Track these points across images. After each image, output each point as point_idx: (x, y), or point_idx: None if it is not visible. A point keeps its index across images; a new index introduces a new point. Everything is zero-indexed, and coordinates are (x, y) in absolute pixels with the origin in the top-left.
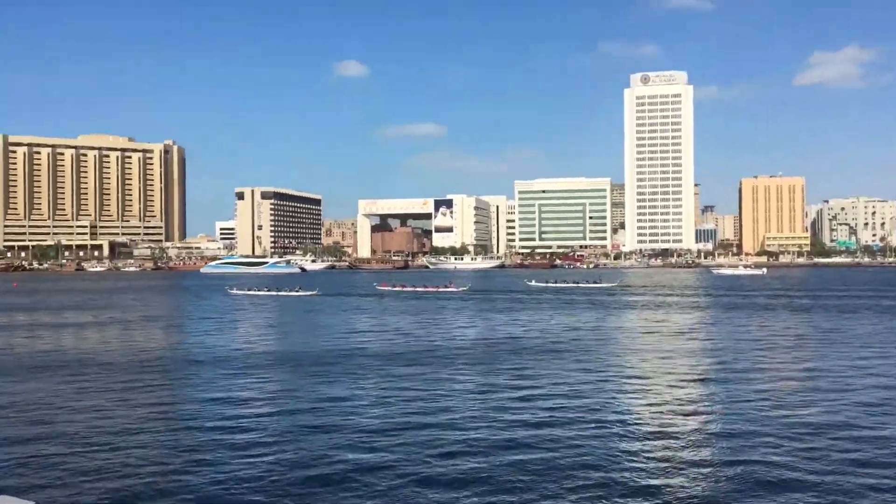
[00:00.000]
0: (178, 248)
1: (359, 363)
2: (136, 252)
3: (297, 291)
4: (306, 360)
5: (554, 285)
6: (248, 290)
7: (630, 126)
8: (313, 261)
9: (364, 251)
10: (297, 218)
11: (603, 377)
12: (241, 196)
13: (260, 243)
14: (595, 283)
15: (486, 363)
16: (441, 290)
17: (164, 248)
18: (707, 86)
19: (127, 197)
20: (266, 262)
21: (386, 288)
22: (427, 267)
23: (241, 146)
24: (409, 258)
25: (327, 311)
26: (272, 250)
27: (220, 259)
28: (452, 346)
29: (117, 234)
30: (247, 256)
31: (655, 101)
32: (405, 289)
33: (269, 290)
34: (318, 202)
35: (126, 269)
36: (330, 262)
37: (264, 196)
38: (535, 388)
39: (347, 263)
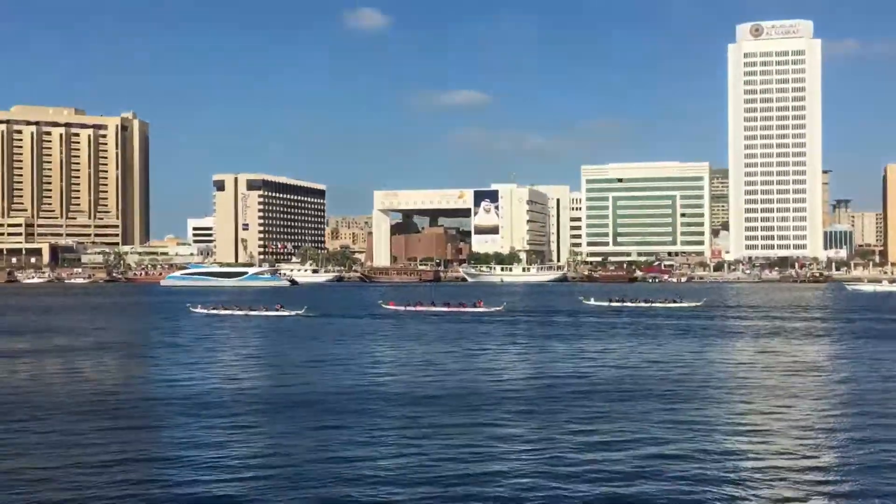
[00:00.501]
0: (140, 253)
1: (372, 408)
2: (84, 258)
3: (276, 310)
4: (298, 402)
5: (618, 304)
6: (214, 307)
7: (735, 93)
8: (314, 270)
9: (381, 258)
10: (293, 215)
11: (703, 431)
12: (220, 186)
13: (245, 248)
14: (672, 301)
15: (540, 409)
16: (466, 310)
17: (121, 253)
18: (841, 39)
19: (73, 187)
20: (245, 273)
21: (395, 308)
22: (465, 279)
23: (221, 122)
24: (442, 268)
25: (321, 336)
26: (261, 257)
27: (186, 269)
28: (493, 386)
29: (60, 235)
30: (225, 265)
31: (770, 59)
32: (420, 309)
33: (239, 309)
34: (321, 194)
35: (72, 280)
36: (336, 273)
37: (251, 186)
38: (609, 445)
39: (360, 274)
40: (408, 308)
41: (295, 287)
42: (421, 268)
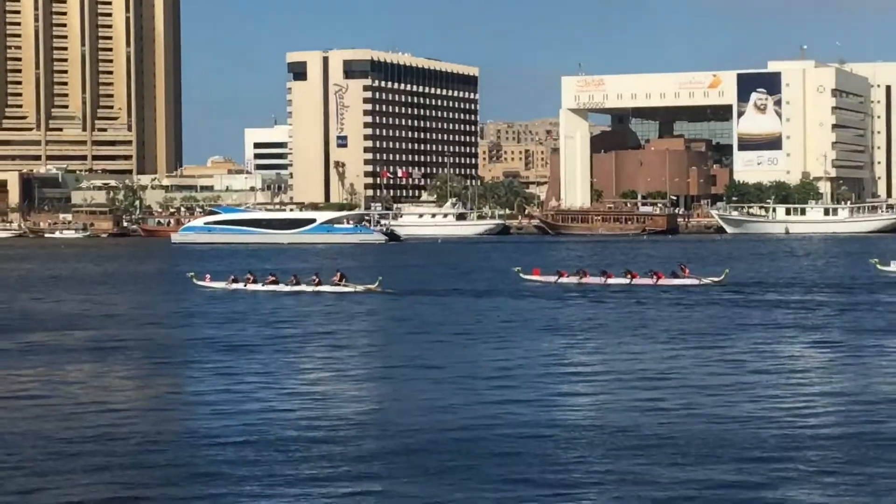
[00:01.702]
0: (168, 187)
1: (575, 466)
2: (77, 197)
3: (335, 283)
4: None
5: None
6: (232, 279)
7: None
8: (460, 216)
9: (576, 193)
10: (424, 120)
11: None
12: (299, 72)
13: (341, 176)
14: None
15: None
16: (661, 282)
17: (136, 187)
18: None
19: (57, 77)
20: (310, 222)
21: (542, 279)
22: (720, 230)
23: None
24: (680, 209)
25: (416, 329)
26: (369, 193)
27: (214, 214)
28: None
29: (37, 158)
30: (294, 206)
31: None
32: (584, 280)
33: (269, 281)
34: (470, 84)
35: (57, 233)
36: (497, 221)
37: (352, 71)
38: None
39: (538, 221)
40: (557, 279)
41: (396, 244)
42: (644, 210)
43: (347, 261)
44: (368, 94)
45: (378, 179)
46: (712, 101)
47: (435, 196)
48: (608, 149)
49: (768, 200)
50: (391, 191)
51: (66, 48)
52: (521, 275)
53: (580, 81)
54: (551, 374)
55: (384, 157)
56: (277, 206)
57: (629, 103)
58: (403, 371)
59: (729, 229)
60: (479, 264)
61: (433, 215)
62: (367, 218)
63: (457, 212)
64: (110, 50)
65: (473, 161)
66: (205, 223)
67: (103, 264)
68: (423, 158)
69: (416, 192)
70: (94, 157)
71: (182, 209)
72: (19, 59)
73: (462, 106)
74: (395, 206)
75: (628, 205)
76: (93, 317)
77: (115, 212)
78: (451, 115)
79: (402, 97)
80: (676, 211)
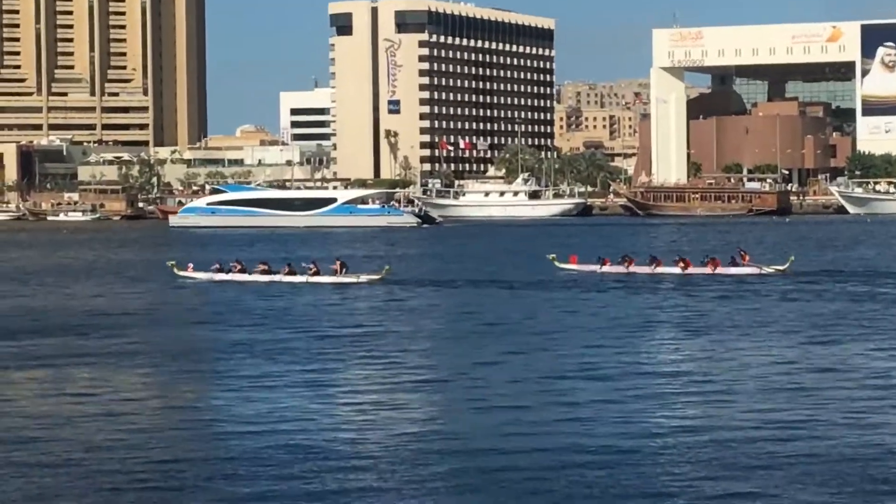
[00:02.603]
0: (190, 161)
1: None
2: (84, 173)
3: (336, 273)
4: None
5: None
6: (216, 269)
7: None
8: (533, 193)
9: (669, 167)
10: (491, 81)
11: None
12: (343, 26)
13: (393, 147)
14: None
15: None
16: (718, 270)
17: (152, 161)
18: None
19: (61, 38)
20: (330, 202)
21: (581, 268)
22: (841, 210)
23: None
24: (794, 185)
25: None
26: (426, 167)
27: (220, 192)
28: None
29: (38, 128)
30: (338, 183)
31: None
32: (630, 270)
33: (260, 270)
34: (544, 38)
35: (61, 215)
36: (577, 199)
37: (405, 23)
38: None
39: (625, 200)
40: (597, 268)
41: (430, 227)
42: (751, 186)
43: (365, 246)
44: (425, 51)
45: (436, 151)
46: (831, 57)
47: (503, 171)
48: (708, 114)
49: None
50: (452, 165)
51: (71, 7)
52: (556, 263)
53: (675, 35)
54: (631, 377)
55: (443, 126)
56: (318, 183)
57: (733, 60)
58: (454, 378)
59: (851, 209)
60: (529, 249)
61: (501, 194)
62: (396, 197)
63: (529, 189)
64: (122, 0)
65: (549, 130)
66: (207, 203)
67: (112, 252)
68: (489, 127)
69: (482, 166)
70: (105, 127)
71: (206, 186)
72: (16, 12)
73: (536, 65)
74: (456, 182)
75: (732, 180)
76: (96, 315)
77: (129, 190)
78: (522, 76)
79: (465, 54)
80: (789, 187)
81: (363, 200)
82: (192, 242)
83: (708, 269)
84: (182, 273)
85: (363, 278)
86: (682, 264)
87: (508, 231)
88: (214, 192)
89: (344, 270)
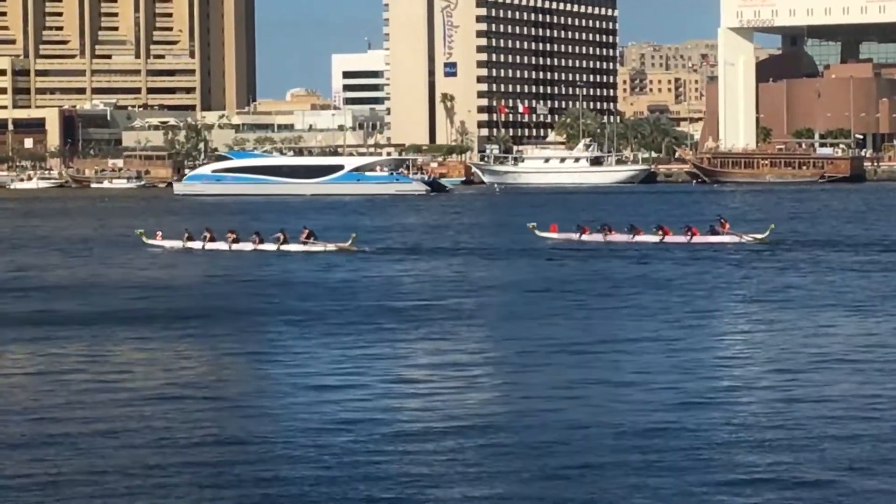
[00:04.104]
0: (239, 126)
1: None
2: (128, 139)
3: (304, 242)
4: None
5: None
6: (187, 237)
7: None
8: (595, 160)
9: (738, 131)
10: (550, 42)
11: None
12: None
13: (450, 112)
14: None
15: None
16: (698, 239)
17: (200, 126)
18: None
19: None
20: (338, 169)
21: (561, 236)
22: None
23: None
24: (869, 151)
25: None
26: (484, 133)
27: (226, 160)
28: None
29: (81, 91)
30: (392, 149)
31: None
32: (610, 238)
33: (230, 239)
34: (607, 2)
35: (105, 182)
36: (641, 165)
37: None
38: None
39: (690, 165)
40: (584, 237)
41: (440, 196)
42: (823, 152)
43: (366, 215)
44: (482, 11)
45: (494, 116)
46: None
47: (564, 136)
48: (778, 77)
49: None
50: (511, 129)
51: None
52: (537, 232)
53: None
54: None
55: (502, 89)
56: (372, 149)
57: (804, 20)
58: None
59: None
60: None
61: (562, 160)
62: (406, 164)
63: (591, 155)
64: None
65: (612, 93)
66: (213, 171)
67: (100, 221)
68: (549, 90)
69: (542, 130)
70: (150, 91)
71: (257, 152)
72: None
73: (598, 25)
74: (515, 148)
75: (803, 146)
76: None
77: (176, 156)
78: (583, 37)
79: (524, 14)
80: (863, 153)
81: (371, 168)
82: (196, 211)
83: (685, 238)
84: (151, 241)
85: (330, 246)
86: (660, 233)
87: (562, 200)
88: (219, 159)
89: (311, 238)
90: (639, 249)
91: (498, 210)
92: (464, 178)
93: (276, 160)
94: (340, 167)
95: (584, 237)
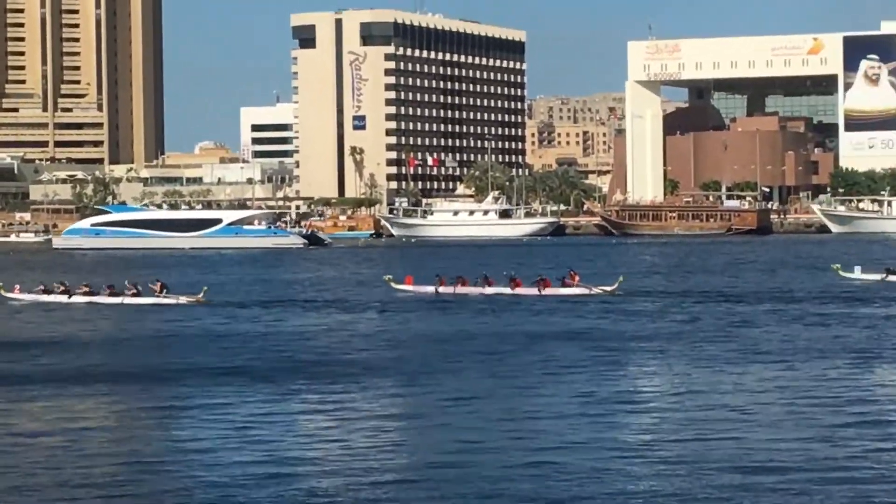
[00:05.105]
0: (147, 180)
1: None
2: (36, 192)
3: (155, 293)
4: None
5: None
6: (42, 290)
7: None
8: (503, 213)
9: (645, 185)
10: (460, 96)
11: None
12: (306, 38)
13: (358, 165)
14: None
15: None
16: (549, 291)
17: (107, 180)
18: None
19: (12, 51)
20: (214, 222)
21: (416, 289)
22: (823, 228)
23: None
24: (774, 203)
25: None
26: (393, 186)
27: (105, 214)
28: None
29: None
30: (301, 202)
31: None
32: (461, 290)
33: (83, 291)
34: (515, 51)
35: (13, 236)
36: (549, 218)
37: (370, 35)
38: None
39: (599, 218)
40: (441, 289)
41: (317, 249)
42: (730, 204)
43: (238, 269)
44: (391, 65)
45: (403, 169)
46: (813, 70)
47: (473, 189)
48: (685, 130)
49: (883, 192)
50: (420, 182)
51: (21, 10)
52: (393, 284)
53: (651, 47)
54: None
55: (411, 142)
56: (281, 202)
57: (711, 74)
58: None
59: (834, 228)
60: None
61: (471, 213)
62: (283, 218)
63: (500, 208)
64: (76, 12)
65: (520, 146)
66: (92, 224)
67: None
68: (458, 143)
69: (451, 183)
70: (57, 144)
71: (164, 206)
72: None
73: (506, 78)
74: (424, 201)
75: (710, 198)
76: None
77: (84, 210)
78: (492, 90)
79: (433, 68)
80: (769, 205)
81: (249, 221)
82: (71, 267)
83: (536, 290)
84: (8, 294)
85: (182, 300)
86: (512, 284)
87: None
88: (98, 212)
89: (164, 291)
90: (490, 301)
91: (370, 263)
92: (373, 231)
93: (155, 214)
94: (218, 220)
95: (441, 289)
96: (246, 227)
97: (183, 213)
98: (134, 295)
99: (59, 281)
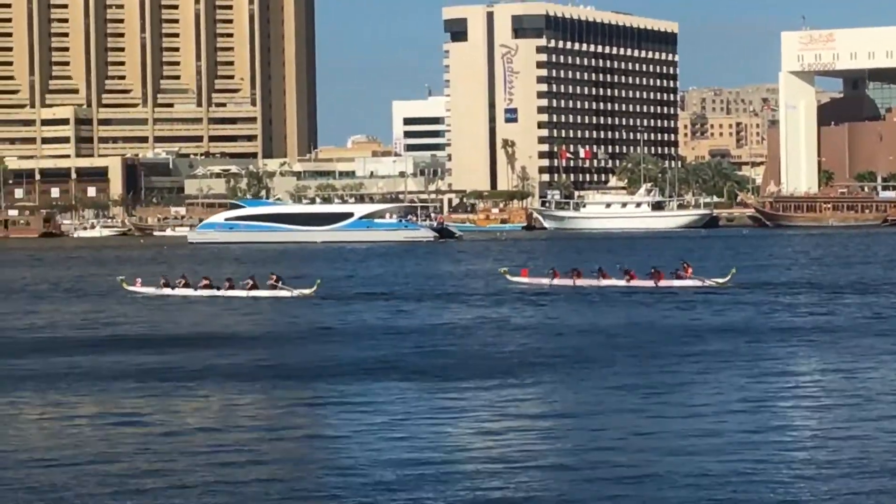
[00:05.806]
0: (300, 174)
1: None
2: (190, 186)
3: (271, 287)
4: None
5: None
6: (163, 283)
7: None
8: (656, 204)
9: (799, 174)
10: (611, 88)
11: None
12: (458, 32)
13: (510, 156)
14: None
15: None
16: (676, 283)
17: (261, 174)
18: None
19: (167, 47)
20: (346, 216)
21: (531, 281)
22: None
23: None
24: None
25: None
26: (545, 178)
27: (238, 208)
28: None
29: (143, 140)
30: (453, 195)
31: None
32: (579, 282)
33: (203, 285)
34: (668, 41)
35: (168, 230)
36: (703, 211)
37: (522, 28)
38: None
39: (753, 210)
40: (555, 281)
41: (447, 242)
42: (886, 195)
43: (364, 262)
44: (543, 57)
45: (555, 161)
46: None
47: (626, 181)
48: (840, 121)
49: None
50: (572, 175)
51: (176, 6)
52: (508, 276)
53: (805, 37)
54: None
55: (563, 134)
56: (433, 195)
57: (866, 63)
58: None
59: None
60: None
61: (623, 205)
62: (414, 211)
63: (652, 200)
64: (230, 8)
65: (672, 138)
66: (225, 219)
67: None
68: (610, 135)
69: (603, 176)
70: (212, 139)
71: (317, 200)
72: (121, 21)
73: (658, 70)
74: (576, 193)
75: (865, 189)
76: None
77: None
78: (644, 82)
79: (585, 60)
80: None
81: (380, 215)
82: (208, 259)
83: (652, 282)
84: (130, 288)
85: (296, 293)
86: (627, 276)
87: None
88: (232, 207)
89: (280, 283)
90: (604, 293)
91: (499, 256)
92: (525, 224)
93: (288, 208)
94: (350, 214)
95: (556, 282)
96: (377, 220)
97: (315, 207)
98: (251, 287)
99: (181, 275)
